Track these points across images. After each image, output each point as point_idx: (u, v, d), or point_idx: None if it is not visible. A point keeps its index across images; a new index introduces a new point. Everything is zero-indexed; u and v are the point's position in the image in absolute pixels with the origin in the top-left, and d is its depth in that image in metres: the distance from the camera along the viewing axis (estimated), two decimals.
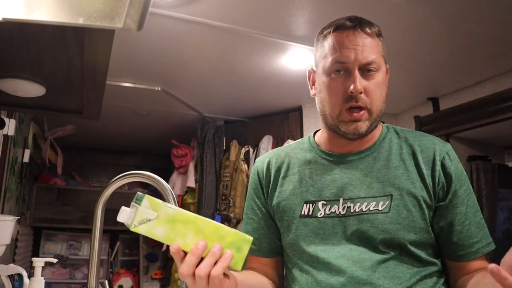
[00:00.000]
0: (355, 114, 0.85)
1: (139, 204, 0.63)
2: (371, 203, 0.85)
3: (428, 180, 0.86)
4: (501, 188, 3.05)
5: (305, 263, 0.89)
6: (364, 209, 0.85)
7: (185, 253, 0.64)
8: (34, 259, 1.20)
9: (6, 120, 1.82)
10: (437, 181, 0.86)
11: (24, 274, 1.22)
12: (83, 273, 3.98)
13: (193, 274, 0.64)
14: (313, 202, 0.90)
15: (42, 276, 1.21)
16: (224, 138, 3.53)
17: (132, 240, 4.40)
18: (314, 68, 0.95)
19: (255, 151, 3.26)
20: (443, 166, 0.87)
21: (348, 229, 0.85)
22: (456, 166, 0.88)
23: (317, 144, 0.98)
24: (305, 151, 0.98)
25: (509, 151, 3.45)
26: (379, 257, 0.83)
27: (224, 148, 3.51)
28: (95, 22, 0.46)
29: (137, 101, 3.10)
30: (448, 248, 0.87)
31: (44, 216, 3.79)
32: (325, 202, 0.89)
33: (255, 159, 3.16)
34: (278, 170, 0.98)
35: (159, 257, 4.31)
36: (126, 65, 2.43)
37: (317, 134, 1.01)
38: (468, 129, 2.71)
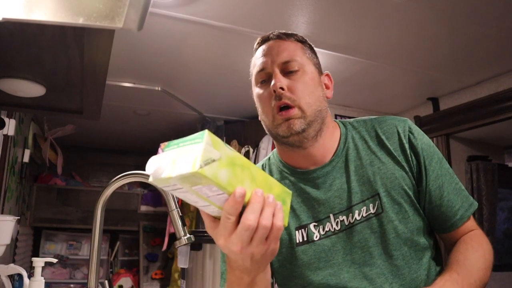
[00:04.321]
0: (284, 113, 0.82)
1: (200, 141, 0.48)
2: (362, 209, 0.82)
3: (405, 165, 0.85)
4: (501, 188, 3.05)
5: None
6: (358, 218, 0.82)
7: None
8: (34, 259, 1.20)
9: (6, 120, 1.82)
10: (411, 163, 0.85)
11: (24, 274, 1.22)
12: (83, 273, 3.97)
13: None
14: (304, 226, 0.85)
15: (42, 276, 1.21)
16: (224, 138, 3.53)
17: (132, 240, 4.40)
18: None
19: (255, 151, 3.26)
20: (411, 145, 0.85)
21: (349, 243, 0.82)
22: (422, 141, 0.86)
23: (286, 162, 0.91)
24: (277, 173, 0.92)
25: (509, 151, 3.45)
26: (388, 265, 0.81)
27: None
28: (95, 22, 0.46)
29: (137, 101, 3.09)
30: (435, 223, 0.87)
31: (44, 216, 3.79)
32: (316, 223, 0.84)
33: (255, 159, 3.17)
34: None
35: (159, 257, 4.31)
36: (126, 65, 2.43)
37: (280, 152, 0.94)
38: (468, 129, 2.71)
